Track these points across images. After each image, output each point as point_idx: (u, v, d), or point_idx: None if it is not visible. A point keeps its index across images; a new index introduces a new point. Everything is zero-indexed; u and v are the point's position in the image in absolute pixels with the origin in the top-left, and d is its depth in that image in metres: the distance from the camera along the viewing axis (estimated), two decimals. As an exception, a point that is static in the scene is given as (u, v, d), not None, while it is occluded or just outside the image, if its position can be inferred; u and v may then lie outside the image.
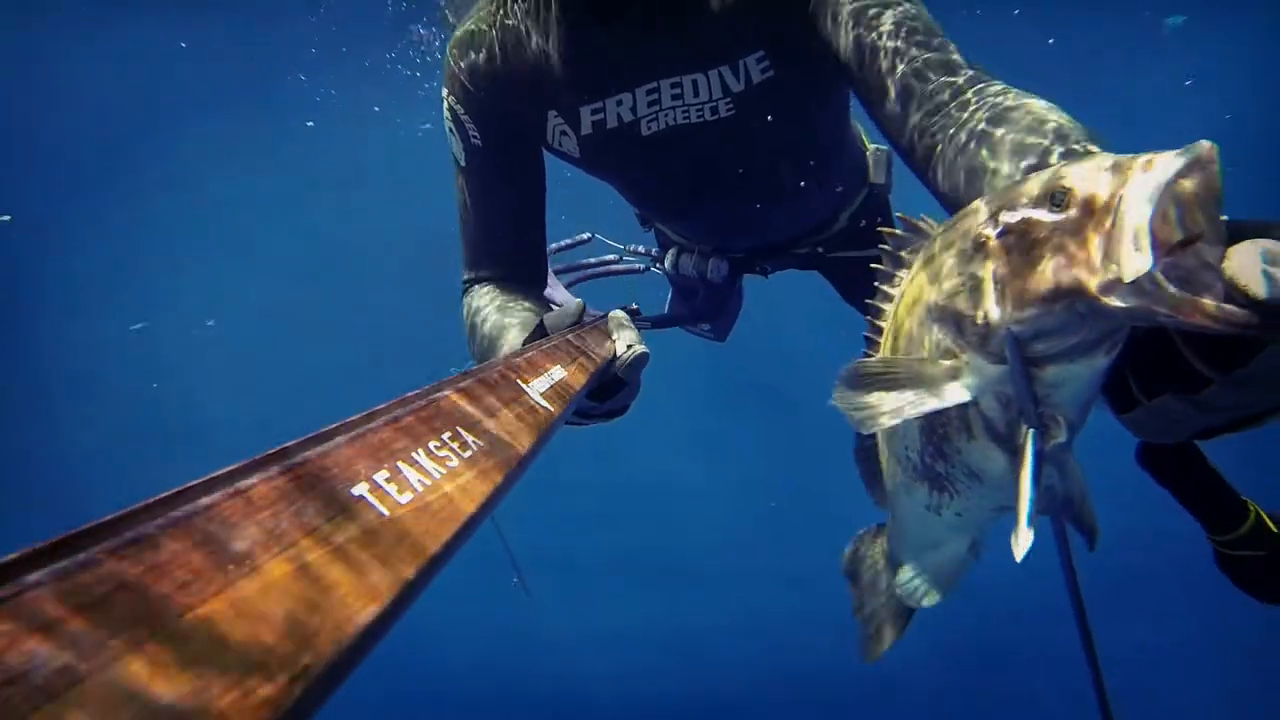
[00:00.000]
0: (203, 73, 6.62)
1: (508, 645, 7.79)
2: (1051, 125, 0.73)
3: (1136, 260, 0.47)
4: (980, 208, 0.63)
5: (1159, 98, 8.07)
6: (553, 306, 1.32)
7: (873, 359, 0.71)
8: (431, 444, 0.41)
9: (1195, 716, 5.83)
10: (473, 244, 1.35)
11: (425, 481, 0.37)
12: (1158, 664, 6.23)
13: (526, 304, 1.27)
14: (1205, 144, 0.47)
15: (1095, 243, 0.50)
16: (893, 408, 0.63)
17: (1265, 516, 1.01)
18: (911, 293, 0.72)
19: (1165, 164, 0.48)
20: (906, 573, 0.71)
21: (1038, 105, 0.78)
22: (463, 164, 1.31)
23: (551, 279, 1.76)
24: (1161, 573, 7.19)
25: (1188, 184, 0.47)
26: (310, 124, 7.89)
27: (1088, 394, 0.62)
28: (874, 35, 0.99)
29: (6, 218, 7.54)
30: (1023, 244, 0.56)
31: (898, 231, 0.79)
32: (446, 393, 0.47)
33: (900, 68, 0.94)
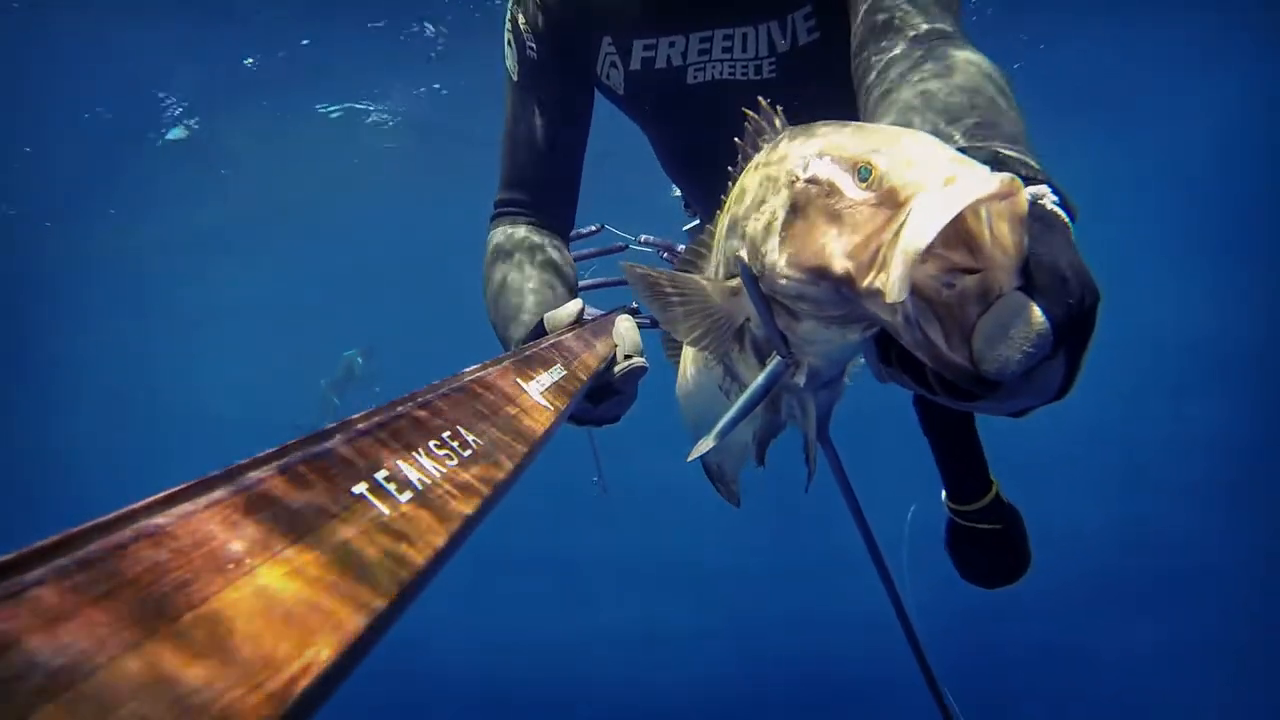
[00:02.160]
0: (209, 70, 6.62)
1: (506, 645, 7.78)
2: (952, 98, 0.70)
3: (898, 287, 0.47)
4: (812, 139, 0.62)
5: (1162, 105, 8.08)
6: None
7: (657, 271, 0.72)
8: (431, 443, 0.41)
9: (1182, 717, 5.84)
10: (512, 162, 1.37)
11: (425, 480, 0.37)
12: (1145, 665, 6.24)
13: (546, 245, 1.29)
14: (1007, 176, 0.46)
15: (875, 244, 0.50)
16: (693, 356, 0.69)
17: (1002, 494, 1.07)
18: (737, 189, 0.73)
19: (966, 189, 0.46)
20: (702, 446, 0.73)
21: (961, 76, 0.75)
22: (515, 78, 1.33)
23: None
24: (1149, 576, 7.20)
25: (999, 207, 0.46)
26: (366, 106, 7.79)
27: (838, 355, 0.65)
28: None
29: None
30: (819, 205, 0.56)
31: (758, 117, 0.78)
32: (447, 392, 0.47)
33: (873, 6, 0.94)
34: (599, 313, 1.10)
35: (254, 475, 0.29)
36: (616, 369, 0.94)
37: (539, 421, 0.55)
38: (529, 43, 1.29)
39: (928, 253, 0.46)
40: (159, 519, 0.25)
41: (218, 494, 0.27)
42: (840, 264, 0.52)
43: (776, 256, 0.59)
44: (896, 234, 0.48)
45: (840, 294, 0.53)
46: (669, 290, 0.71)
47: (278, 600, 0.25)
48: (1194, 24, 6.81)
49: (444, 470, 0.39)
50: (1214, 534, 7.60)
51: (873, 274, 0.49)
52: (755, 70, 1.23)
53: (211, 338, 12.98)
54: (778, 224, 0.60)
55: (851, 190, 0.53)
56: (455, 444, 0.43)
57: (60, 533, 0.22)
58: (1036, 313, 0.45)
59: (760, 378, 0.66)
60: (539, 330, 1.05)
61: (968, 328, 0.47)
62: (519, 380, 0.59)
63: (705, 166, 1.51)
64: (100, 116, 7.01)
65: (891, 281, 0.47)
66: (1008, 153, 0.59)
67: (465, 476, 0.40)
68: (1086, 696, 6.18)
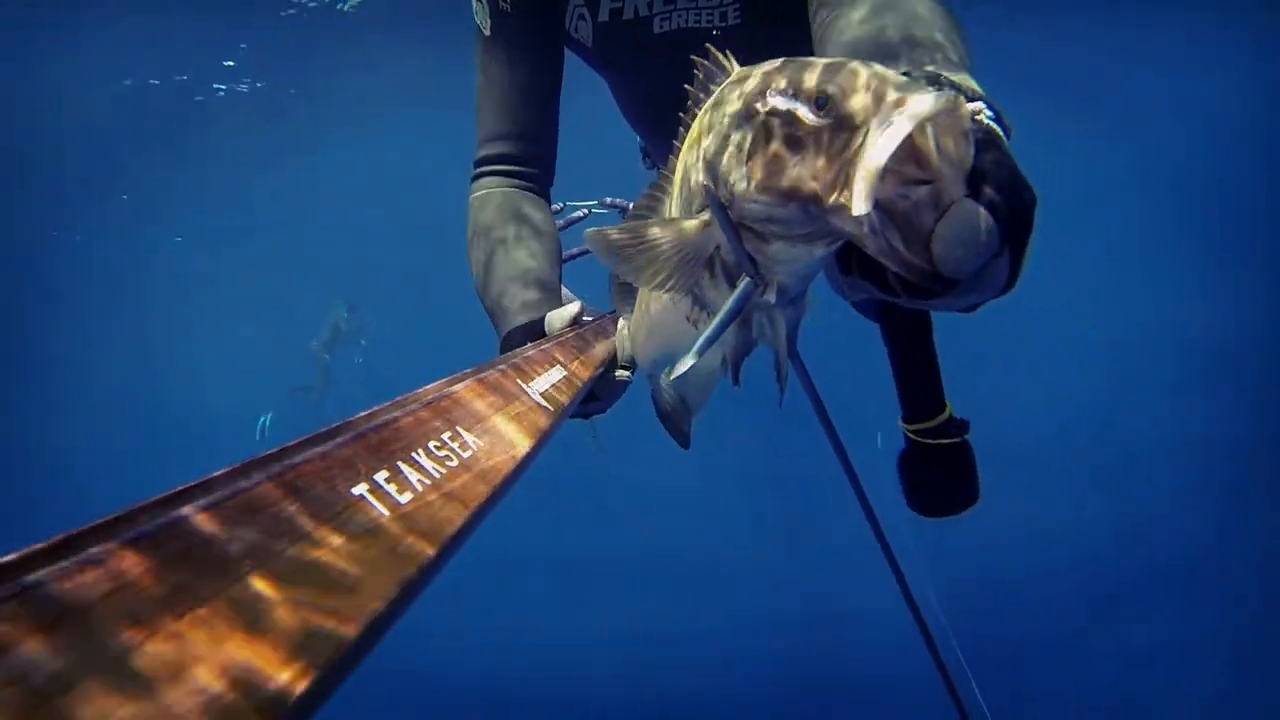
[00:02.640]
0: (208, 69, 6.62)
1: (506, 646, 7.79)
2: (900, 27, 0.76)
3: (862, 202, 0.52)
4: (769, 74, 0.66)
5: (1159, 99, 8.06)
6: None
7: (617, 230, 0.74)
8: (431, 444, 0.41)
9: (1178, 715, 5.84)
10: (488, 117, 1.37)
11: (425, 481, 0.37)
12: (1142, 663, 6.24)
13: (531, 216, 1.29)
14: (950, 94, 0.51)
15: (836, 165, 0.56)
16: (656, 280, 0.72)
17: (955, 414, 1.17)
18: (696, 130, 0.77)
19: (914, 109, 0.51)
20: (683, 365, 0.76)
21: (907, 5, 0.80)
22: (487, 33, 1.34)
23: None
24: (1146, 571, 7.19)
25: (944, 123, 0.52)
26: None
27: (806, 271, 0.71)
28: None
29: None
30: (780, 133, 0.61)
31: (709, 65, 0.81)
32: (447, 393, 0.47)
33: None
34: (598, 313, 1.11)
35: (254, 477, 0.29)
36: (616, 374, 0.95)
37: (538, 423, 0.55)
38: None
39: (885, 170, 0.51)
40: (158, 520, 0.25)
41: (217, 495, 0.27)
42: (807, 185, 0.58)
43: (745, 185, 0.64)
44: (856, 155, 0.54)
45: (808, 212, 0.59)
46: (639, 242, 0.74)
47: (279, 600, 0.25)
48: (1193, 24, 6.81)
49: (444, 471, 0.39)
50: (1211, 532, 7.60)
51: (837, 192, 0.55)
52: (720, 17, 1.25)
53: (212, 337, 12.98)
54: (743, 155, 0.65)
55: (810, 118, 0.59)
56: (455, 445, 0.43)
57: (61, 533, 0.22)
58: (985, 216, 0.51)
59: (732, 298, 0.71)
60: (537, 328, 1.05)
61: (924, 233, 0.52)
62: (519, 381, 0.60)
63: (670, 115, 1.53)
64: (101, 115, 7.02)
65: (856, 197, 0.52)
66: (949, 74, 0.65)
67: (465, 478, 0.40)
68: (1080, 686, 6.18)
